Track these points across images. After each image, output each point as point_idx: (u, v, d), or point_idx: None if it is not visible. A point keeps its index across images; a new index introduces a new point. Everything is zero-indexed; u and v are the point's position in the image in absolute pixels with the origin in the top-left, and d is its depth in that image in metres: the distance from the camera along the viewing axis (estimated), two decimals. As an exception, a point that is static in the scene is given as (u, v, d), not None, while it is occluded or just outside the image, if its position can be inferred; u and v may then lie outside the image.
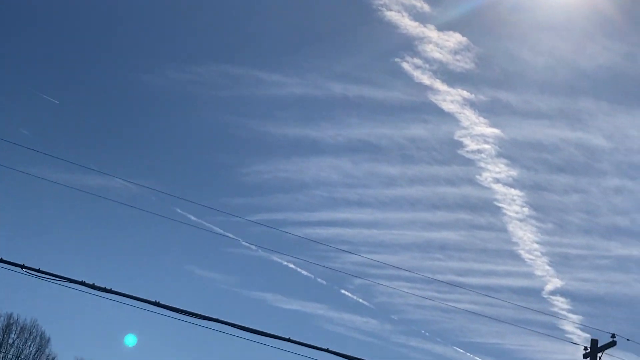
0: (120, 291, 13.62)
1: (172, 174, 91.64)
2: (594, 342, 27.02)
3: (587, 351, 27.11)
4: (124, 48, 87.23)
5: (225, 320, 13.80)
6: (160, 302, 13.65)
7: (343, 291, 69.05)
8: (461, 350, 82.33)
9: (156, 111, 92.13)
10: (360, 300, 71.28)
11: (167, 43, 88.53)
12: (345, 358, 14.66)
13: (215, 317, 13.84)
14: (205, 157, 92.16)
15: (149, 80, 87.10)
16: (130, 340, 70.26)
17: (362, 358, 14.69)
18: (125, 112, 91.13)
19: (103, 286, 13.71)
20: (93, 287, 13.62)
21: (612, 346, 26.64)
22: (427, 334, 79.50)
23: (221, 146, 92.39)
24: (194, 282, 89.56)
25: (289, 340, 14.23)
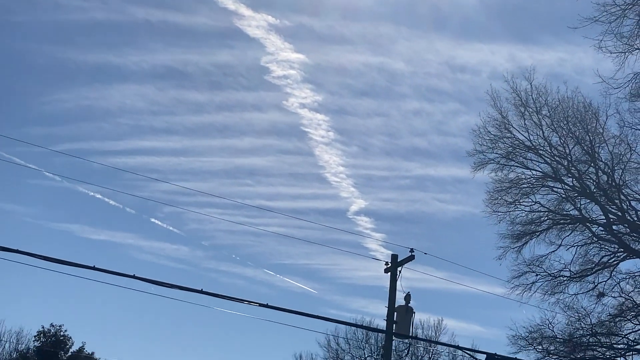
0: None
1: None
2: (394, 257, 28.42)
3: (388, 266, 28.48)
4: None
5: (26, 250, 13.47)
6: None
7: (153, 219, 68.81)
8: (271, 272, 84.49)
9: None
10: (171, 228, 71.35)
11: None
12: (153, 283, 14.80)
13: (15, 247, 13.46)
14: (2, 86, 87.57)
15: None
16: None
17: (169, 282, 14.90)
18: None
19: None
20: None
21: (410, 260, 28.10)
22: (237, 258, 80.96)
23: (19, 74, 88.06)
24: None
25: (93, 268, 14.13)
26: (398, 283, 28.10)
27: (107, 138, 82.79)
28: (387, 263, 28.56)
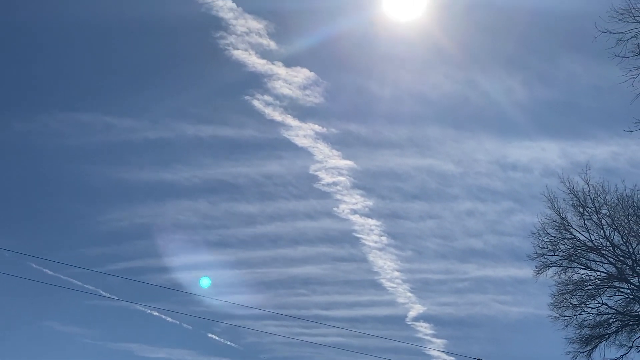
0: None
1: (24, 230, 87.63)
2: (464, 371, 27.71)
3: (458, 381, 27.76)
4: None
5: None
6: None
7: (210, 335, 68.10)
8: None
9: (1, 166, 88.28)
10: (228, 343, 70.49)
11: (6, 94, 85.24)
12: None
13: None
14: (58, 209, 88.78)
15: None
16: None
17: None
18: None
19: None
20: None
21: (480, 373, 27.42)
22: (297, 371, 79.37)
23: (74, 196, 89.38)
24: (56, 338, 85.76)
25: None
26: (469, 397, 27.32)
27: (162, 255, 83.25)
28: (456, 377, 27.83)
